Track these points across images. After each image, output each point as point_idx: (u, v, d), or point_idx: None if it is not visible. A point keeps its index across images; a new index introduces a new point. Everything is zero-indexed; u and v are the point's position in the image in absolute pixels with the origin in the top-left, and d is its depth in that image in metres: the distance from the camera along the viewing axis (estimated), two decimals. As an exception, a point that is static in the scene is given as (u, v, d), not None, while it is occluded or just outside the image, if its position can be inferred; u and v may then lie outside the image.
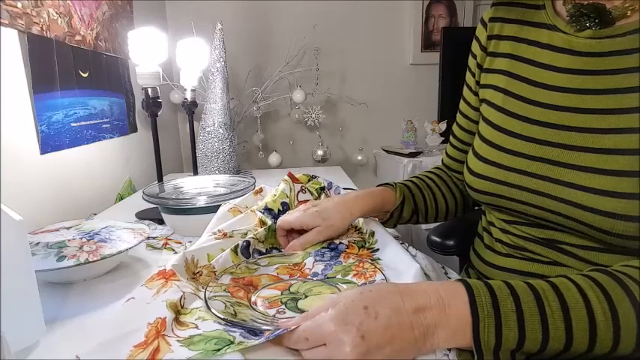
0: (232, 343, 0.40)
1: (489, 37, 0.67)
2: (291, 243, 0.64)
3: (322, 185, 0.74)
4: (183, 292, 0.48)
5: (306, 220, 0.64)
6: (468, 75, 0.73)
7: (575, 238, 0.55)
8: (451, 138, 0.79)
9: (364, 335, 0.37)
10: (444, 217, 0.77)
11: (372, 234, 0.64)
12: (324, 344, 0.38)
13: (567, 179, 0.53)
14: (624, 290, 0.40)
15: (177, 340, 0.41)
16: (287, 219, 0.65)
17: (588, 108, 0.54)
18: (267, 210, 0.69)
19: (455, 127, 0.78)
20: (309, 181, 0.74)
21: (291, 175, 0.73)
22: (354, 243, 0.62)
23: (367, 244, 0.62)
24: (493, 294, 0.40)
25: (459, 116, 0.76)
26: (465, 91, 0.74)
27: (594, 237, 0.52)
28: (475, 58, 0.70)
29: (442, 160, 0.83)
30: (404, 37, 1.89)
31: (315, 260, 0.59)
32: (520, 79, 0.61)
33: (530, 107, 0.59)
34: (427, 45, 1.90)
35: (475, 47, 0.70)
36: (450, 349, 0.40)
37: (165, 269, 0.52)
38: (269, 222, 0.66)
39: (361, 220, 0.67)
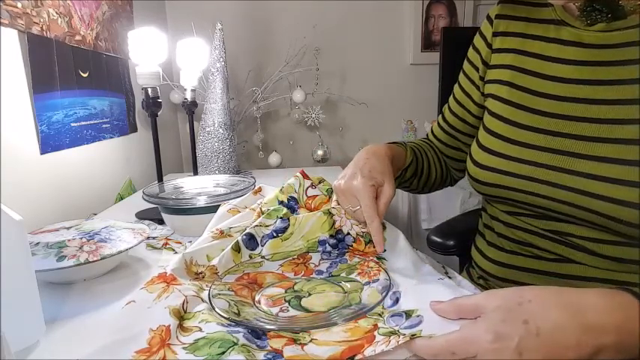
0: (236, 344, 0.40)
1: (495, 34, 0.66)
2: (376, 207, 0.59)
3: (331, 187, 0.74)
4: (186, 297, 0.48)
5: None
6: (469, 67, 0.72)
7: (584, 230, 0.55)
8: (441, 120, 0.79)
9: (522, 352, 0.35)
10: (430, 187, 0.79)
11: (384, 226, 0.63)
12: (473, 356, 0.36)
13: (581, 169, 0.53)
14: None
15: (183, 348, 0.41)
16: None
17: (601, 99, 0.53)
18: (279, 202, 0.68)
19: (447, 112, 0.77)
20: (319, 182, 0.73)
21: (303, 173, 0.73)
22: (361, 236, 0.62)
23: None
24: None
25: (453, 102, 0.76)
26: (463, 80, 0.73)
27: (605, 227, 0.52)
28: (479, 54, 0.69)
29: (427, 137, 0.84)
30: (404, 37, 1.89)
31: (322, 258, 0.59)
32: (526, 72, 0.61)
33: (537, 99, 0.59)
34: (427, 45, 1.90)
35: (479, 42, 0.70)
36: None
37: (165, 273, 0.52)
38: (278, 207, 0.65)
39: None
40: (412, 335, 0.39)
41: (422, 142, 0.81)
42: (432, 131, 0.81)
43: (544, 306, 0.37)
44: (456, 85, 0.76)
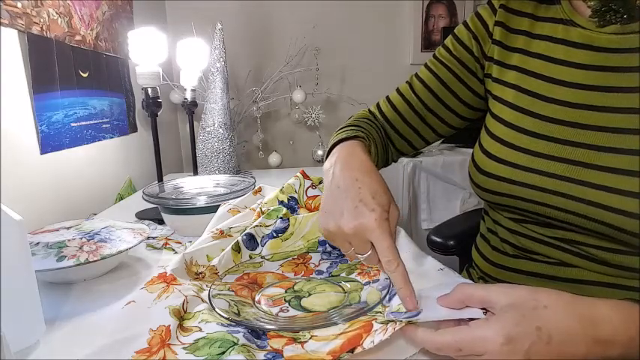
0: (236, 344, 0.40)
1: (497, 23, 0.62)
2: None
3: None
4: (186, 297, 0.48)
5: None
6: (455, 44, 0.67)
7: (590, 238, 0.53)
8: (408, 93, 0.72)
9: (531, 358, 0.35)
10: None
11: None
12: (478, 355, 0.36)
13: (592, 180, 0.51)
14: None
15: (183, 348, 0.41)
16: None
17: (612, 107, 0.51)
18: (280, 202, 0.68)
19: (419, 87, 0.70)
20: (320, 183, 0.73)
21: (303, 173, 0.73)
22: None
23: None
24: None
25: (427, 74, 0.69)
26: (444, 55, 0.68)
27: (613, 238, 0.50)
28: (472, 34, 0.65)
29: (379, 107, 0.75)
30: (404, 37, 1.89)
31: (322, 258, 0.60)
32: (533, 74, 0.58)
33: (544, 104, 0.56)
34: (427, 45, 1.90)
35: (476, 26, 0.65)
36: None
37: (165, 273, 0.52)
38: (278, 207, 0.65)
39: None
40: (409, 322, 0.40)
41: (368, 124, 0.68)
42: (391, 103, 0.73)
43: (558, 314, 0.37)
44: (435, 62, 0.69)
